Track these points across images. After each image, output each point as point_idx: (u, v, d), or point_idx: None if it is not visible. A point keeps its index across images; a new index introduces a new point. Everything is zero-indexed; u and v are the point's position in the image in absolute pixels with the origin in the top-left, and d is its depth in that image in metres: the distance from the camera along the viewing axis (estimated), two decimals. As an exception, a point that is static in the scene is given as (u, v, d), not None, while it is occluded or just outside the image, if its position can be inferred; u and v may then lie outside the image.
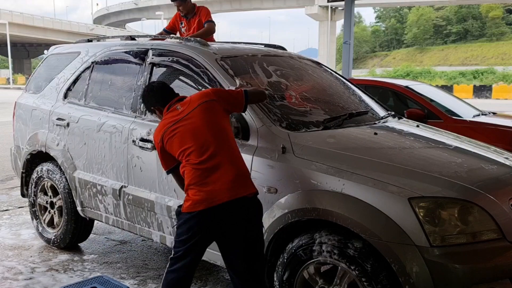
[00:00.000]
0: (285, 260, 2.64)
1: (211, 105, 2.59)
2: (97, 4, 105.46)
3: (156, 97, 2.75)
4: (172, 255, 2.52)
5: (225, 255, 2.57)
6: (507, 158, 2.93)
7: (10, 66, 53.95)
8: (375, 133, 2.95)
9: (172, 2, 4.76)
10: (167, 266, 2.53)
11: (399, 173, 2.44)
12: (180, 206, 2.54)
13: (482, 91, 27.69)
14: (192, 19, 4.82)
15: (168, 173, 2.74)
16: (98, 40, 4.31)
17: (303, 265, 2.58)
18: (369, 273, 2.33)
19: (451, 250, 2.23)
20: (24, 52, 72.81)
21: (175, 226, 2.61)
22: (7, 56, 54.12)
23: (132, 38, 4.02)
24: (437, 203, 2.32)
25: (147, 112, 3.43)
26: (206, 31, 4.56)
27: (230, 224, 2.47)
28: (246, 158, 2.77)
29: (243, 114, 2.84)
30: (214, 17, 4.96)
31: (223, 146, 2.50)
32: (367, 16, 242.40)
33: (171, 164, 2.66)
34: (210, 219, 2.43)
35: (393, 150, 2.80)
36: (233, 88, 2.89)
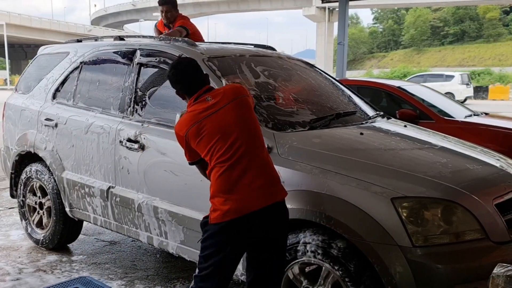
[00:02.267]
0: (270, 261, 2.63)
1: (245, 100, 2.40)
2: (95, 5, 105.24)
3: (184, 83, 2.45)
4: (196, 273, 2.32)
5: (250, 260, 2.43)
6: (493, 158, 2.93)
7: (8, 67, 53.85)
8: (361, 133, 2.95)
9: (160, 6, 4.63)
10: (191, 284, 2.35)
11: (383, 174, 2.44)
12: (205, 217, 2.34)
13: (478, 92, 27.75)
14: (172, 28, 4.78)
15: (192, 164, 2.50)
16: (96, 40, 4.29)
17: (288, 265, 2.56)
18: (353, 273, 2.33)
19: (434, 250, 2.23)
20: (22, 53, 72.69)
21: (199, 241, 2.37)
22: (4, 57, 54.04)
23: (121, 38, 4.01)
24: (421, 203, 2.31)
25: (134, 112, 3.43)
26: (172, 34, 4.38)
27: (262, 232, 2.31)
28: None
29: None
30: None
31: (253, 147, 2.31)
32: (365, 17, 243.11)
33: (195, 157, 2.43)
34: (241, 229, 2.25)
35: (379, 150, 2.79)
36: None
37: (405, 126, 3.40)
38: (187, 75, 2.45)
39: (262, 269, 2.41)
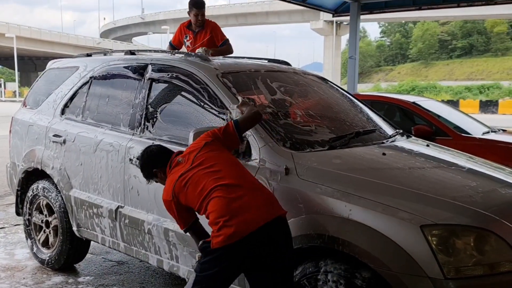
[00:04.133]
0: (288, 289, 2.47)
1: (213, 145, 2.49)
2: (104, 19, 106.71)
3: (158, 159, 2.62)
4: None
5: (253, 280, 2.37)
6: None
7: (17, 79, 54.32)
8: (384, 154, 2.80)
9: (195, 9, 4.59)
10: None
11: (409, 198, 2.29)
12: (205, 242, 2.33)
13: (488, 106, 27.50)
14: (200, 32, 4.71)
15: (186, 231, 2.54)
16: (105, 54, 4.20)
17: (307, 295, 2.41)
18: (378, 305, 2.17)
19: (467, 283, 2.07)
20: (32, 65, 73.33)
21: (198, 261, 2.40)
22: (14, 69, 54.51)
23: (132, 52, 3.91)
24: (451, 231, 2.16)
25: (145, 129, 3.31)
26: (226, 51, 4.49)
27: (267, 249, 2.25)
28: (247, 179, 2.64)
29: (246, 132, 2.70)
30: (223, 31, 4.87)
31: (241, 178, 2.37)
32: (372, 31, 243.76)
33: (189, 220, 2.50)
34: (245, 250, 2.22)
35: (403, 172, 2.64)
36: (234, 107, 2.77)
37: (427, 145, 3.25)
38: (158, 151, 2.67)
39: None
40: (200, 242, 2.40)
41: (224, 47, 4.56)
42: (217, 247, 2.21)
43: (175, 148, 3.02)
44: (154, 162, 2.63)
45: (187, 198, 2.39)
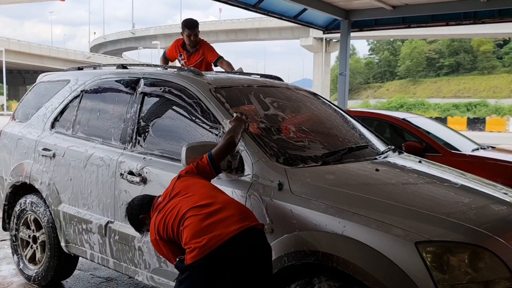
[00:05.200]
0: (280, 306, 2.44)
1: (187, 177, 2.55)
2: (95, 33, 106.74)
3: (141, 207, 2.64)
4: None
5: None
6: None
7: (5, 92, 53.91)
8: (377, 169, 2.80)
9: (187, 30, 4.64)
10: None
11: (404, 214, 2.28)
12: (180, 259, 2.34)
13: (476, 123, 27.87)
14: (194, 54, 4.75)
15: (178, 268, 2.38)
16: (94, 68, 4.17)
17: (300, 312, 2.38)
18: (373, 324, 2.14)
19: (462, 301, 2.05)
20: (20, 78, 72.89)
21: (176, 280, 2.39)
22: (2, 83, 54.14)
23: (124, 66, 3.89)
24: (446, 247, 2.14)
25: (136, 144, 3.28)
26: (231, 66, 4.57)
27: (242, 259, 2.23)
28: (240, 194, 2.62)
29: (240, 147, 2.69)
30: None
31: (213, 197, 2.40)
32: (361, 48, 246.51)
33: (178, 254, 2.41)
34: (220, 259, 2.19)
35: (397, 188, 2.64)
36: (227, 122, 2.78)
37: (419, 161, 3.26)
38: (141, 200, 2.68)
39: None
40: (176, 260, 2.38)
41: (226, 62, 4.61)
42: (190, 262, 2.20)
43: (167, 162, 3.01)
44: (138, 211, 2.64)
45: (168, 229, 2.37)
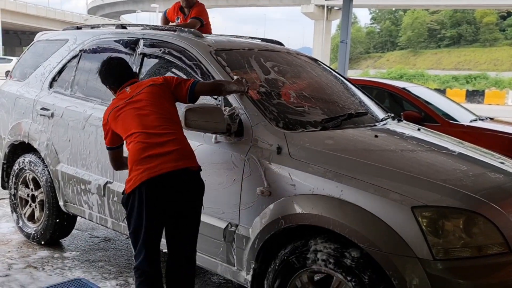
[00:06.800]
0: (276, 267, 2.48)
1: (157, 88, 2.62)
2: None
3: (113, 77, 2.75)
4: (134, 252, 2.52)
5: (168, 234, 2.58)
6: (512, 167, 2.80)
7: (1, 53, 53.19)
8: (376, 136, 2.80)
9: None
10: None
11: (401, 180, 2.30)
12: (123, 192, 2.53)
13: (474, 96, 27.79)
14: (189, 16, 4.66)
15: (108, 149, 2.76)
16: (92, 28, 4.11)
17: (296, 273, 2.42)
18: (367, 285, 2.18)
19: (455, 264, 2.09)
20: (16, 39, 71.80)
21: (123, 219, 2.70)
22: (-2, 43, 53.40)
23: (123, 26, 3.84)
24: (441, 213, 2.17)
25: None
26: (187, 26, 4.38)
27: (173, 196, 2.46)
28: (239, 157, 2.63)
29: (240, 110, 2.68)
30: (210, 12, 4.81)
31: (167, 128, 2.51)
32: (362, 17, 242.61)
33: (115, 143, 2.71)
34: (152, 189, 2.40)
35: (395, 154, 2.65)
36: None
37: (418, 129, 3.27)
38: (119, 69, 2.76)
39: (177, 245, 2.58)
40: (121, 196, 2.58)
41: (184, 23, 4.46)
42: (129, 191, 2.44)
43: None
44: (110, 79, 2.76)
45: (117, 129, 2.60)
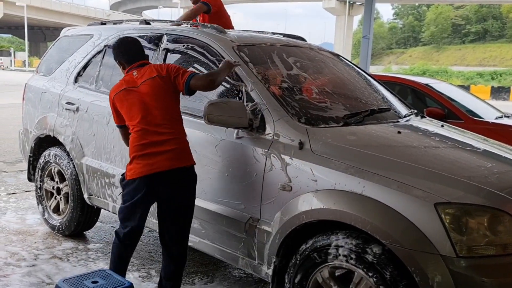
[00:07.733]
0: (297, 262, 2.49)
1: (161, 82, 2.73)
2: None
3: (125, 53, 2.86)
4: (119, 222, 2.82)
5: (159, 217, 2.86)
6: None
7: (27, 48, 54.24)
8: (399, 132, 2.79)
9: None
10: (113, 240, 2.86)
11: (424, 176, 2.28)
12: (123, 174, 2.80)
13: (500, 92, 27.20)
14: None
15: (118, 127, 2.92)
16: (115, 23, 4.17)
17: (317, 268, 2.43)
18: (388, 281, 2.18)
19: (479, 262, 2.07)
20: (41, 35, 73.17)
21: (120, 193, 3.01)
22: (24, 39, 54.42)
23: (147, 22, 3.88)
24: (465, 210, 2.15)
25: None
26: (191, 11, 4.45)
27: (167, 189, 2.72)
28: (261, 152, 2.64)
29: (262, 105, 2.69)
30: (231, 7, 4.85)
31: (168, 127, 2.68)
32: (385, 12, 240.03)
33: (122, 122, 2.84)
34: (149, 184, 2.67)
35: (418, 150, 2.63)
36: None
37: (442, 126, 3.23)
38: (132, 47, 2.89)
39: (169, 225, 2.83)
40: (120, 176, 2.88)
41: (198, 5, 4.52)
42: (128, 179, 2.71)
43: (190, 119, 3.02)
44: (120, 54, 2.88)
45: (121, 110, 2.76)
